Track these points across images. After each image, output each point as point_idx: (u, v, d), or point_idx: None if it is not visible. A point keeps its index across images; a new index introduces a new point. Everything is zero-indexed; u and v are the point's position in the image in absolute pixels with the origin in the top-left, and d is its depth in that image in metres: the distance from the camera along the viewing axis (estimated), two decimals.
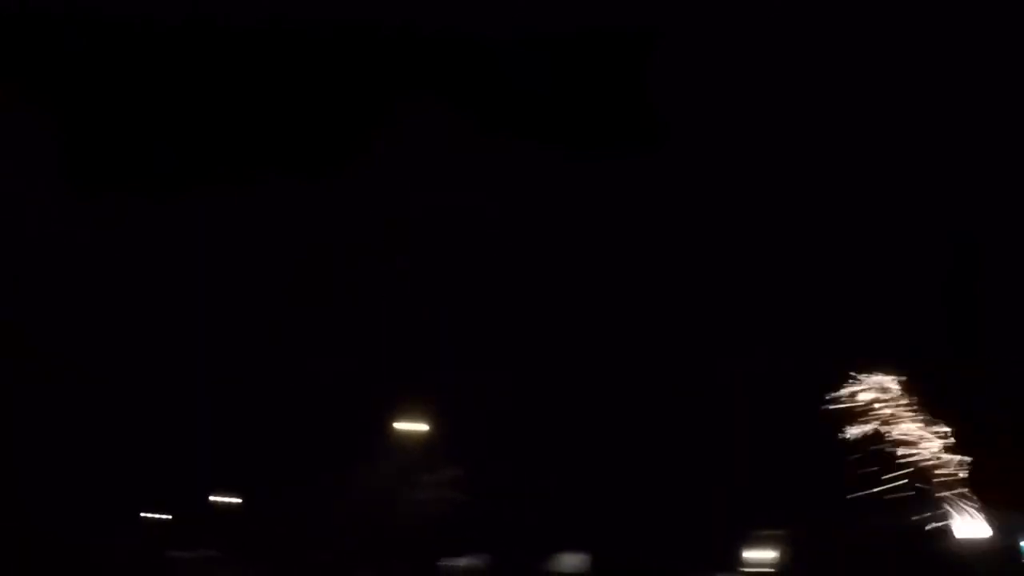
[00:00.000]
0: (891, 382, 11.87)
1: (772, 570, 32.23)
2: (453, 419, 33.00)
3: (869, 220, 29.27)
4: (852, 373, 11.88)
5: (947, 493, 10.98)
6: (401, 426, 34.06)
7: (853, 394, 11.68)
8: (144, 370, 33.53)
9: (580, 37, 32.90)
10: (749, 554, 33.19)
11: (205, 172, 32.74)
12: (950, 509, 10.90)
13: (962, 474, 11.17)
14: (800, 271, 29.21)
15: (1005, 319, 27.66)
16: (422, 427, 34.12)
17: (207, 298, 33.28)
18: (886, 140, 29.40)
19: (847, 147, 29.78)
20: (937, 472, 11.03)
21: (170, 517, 40.43)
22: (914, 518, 12.21)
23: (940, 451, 11.02)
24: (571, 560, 34.37)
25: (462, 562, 33.94)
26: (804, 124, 29.95)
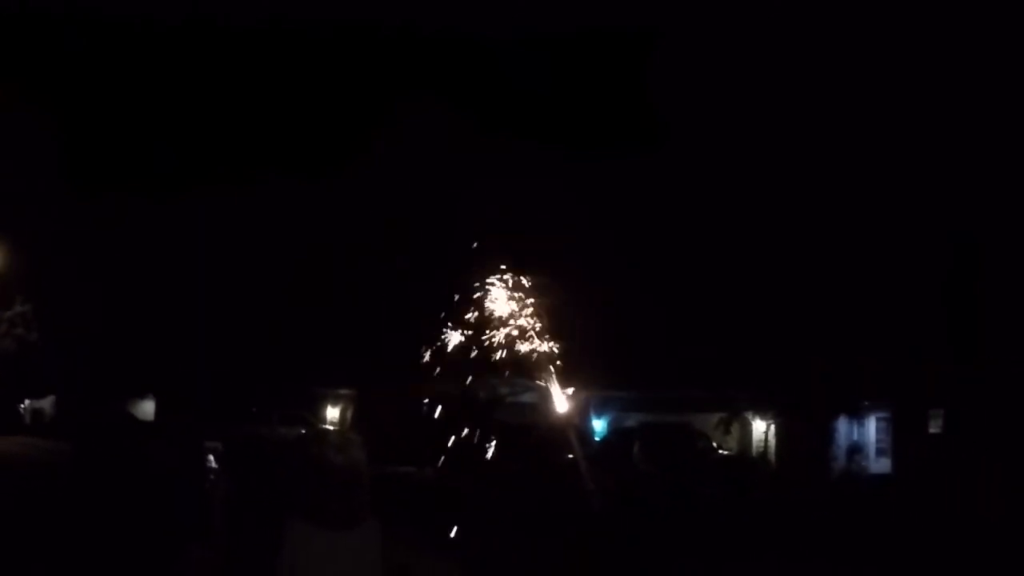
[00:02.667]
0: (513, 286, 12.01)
1: (337, 425, 33.33)
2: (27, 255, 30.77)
3: (870, 220, 29.28)
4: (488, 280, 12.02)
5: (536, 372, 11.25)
6: None
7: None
8: (144, 368, 33.48)
9: (580, 37, 32.96)
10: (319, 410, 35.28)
11: (205, 172, 32.74)
12: (535, 384, 11.21)
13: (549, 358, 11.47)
14: (799, 271, 29.23)
15: (1005, 319, 27.66)
16: None
17: (207, 298, 33.25)
18: (886, 140, 29.41)
19: (847, 147, 29.80)
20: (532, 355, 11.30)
21: None
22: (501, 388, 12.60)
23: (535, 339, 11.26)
24: (145, 404, 34.62)
25: (30, 403, 32.97)
26: (804, 124, 29.99)
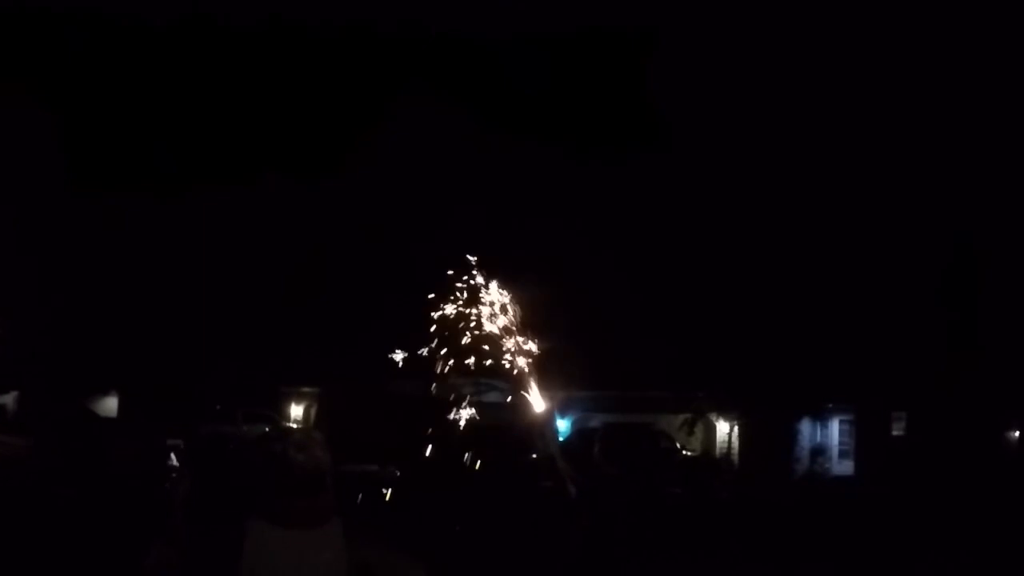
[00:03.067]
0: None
1: (301, 423, 33.69)
2: None
3: (869, 220, 29.17)
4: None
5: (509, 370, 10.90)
6: None
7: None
8: (144, 368, 33.56)
9: (580, 37, 32.90)
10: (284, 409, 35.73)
11: (205, 172, 32.76)
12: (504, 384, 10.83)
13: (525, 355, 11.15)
14: (799, 271, 29.13)
15: (1005, 319, 27.53)
16: None
17: (207, 298, 33.29)
18: (886, 141, 29.29)
19: (847, 147, 29.69)
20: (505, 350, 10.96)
21: None
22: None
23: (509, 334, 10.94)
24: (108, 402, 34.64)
25: None
26: (804, 124, 29.89)
